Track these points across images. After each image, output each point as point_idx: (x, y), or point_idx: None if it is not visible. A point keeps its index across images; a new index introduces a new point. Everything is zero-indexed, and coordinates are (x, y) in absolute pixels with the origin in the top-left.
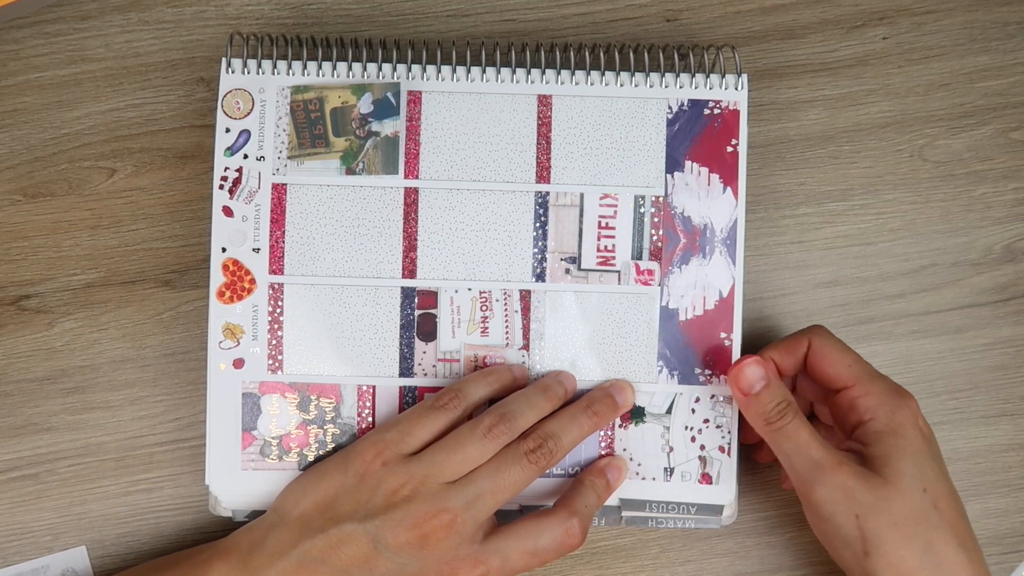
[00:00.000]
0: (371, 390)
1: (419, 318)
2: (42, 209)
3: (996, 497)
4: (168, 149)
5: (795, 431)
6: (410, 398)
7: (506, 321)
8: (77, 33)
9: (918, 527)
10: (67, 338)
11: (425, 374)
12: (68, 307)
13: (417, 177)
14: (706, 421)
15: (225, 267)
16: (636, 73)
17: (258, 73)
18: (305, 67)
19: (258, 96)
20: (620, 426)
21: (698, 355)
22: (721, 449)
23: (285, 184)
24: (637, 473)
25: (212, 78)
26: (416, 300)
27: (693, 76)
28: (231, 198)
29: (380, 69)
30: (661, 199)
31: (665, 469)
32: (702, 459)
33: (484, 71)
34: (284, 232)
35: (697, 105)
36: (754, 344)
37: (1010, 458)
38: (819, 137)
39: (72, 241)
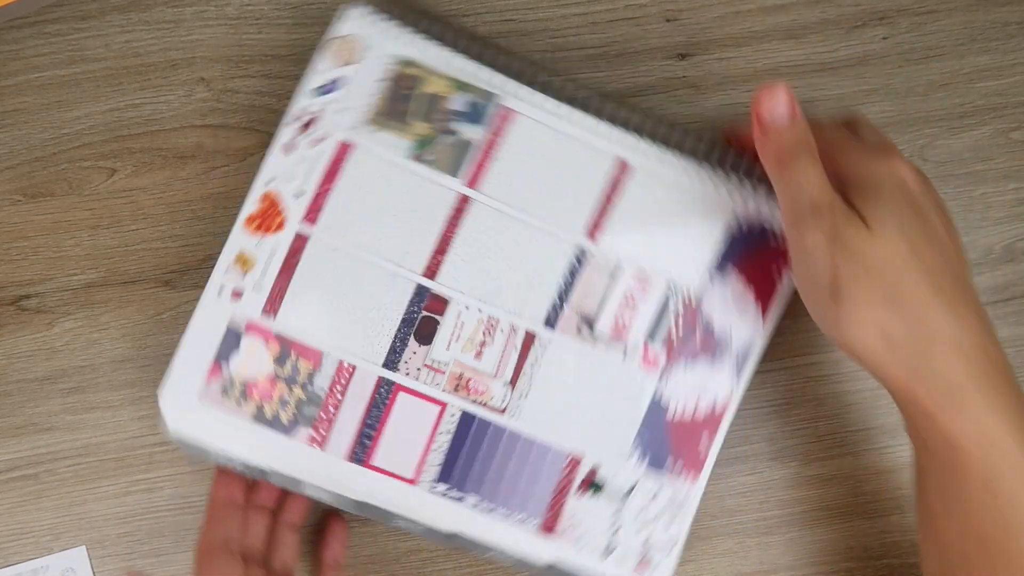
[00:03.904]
0: (350, 370)
1: (422, 319)
2: (42, 209)
3: None
4: (168, 149)
5: (803, 172)
6: (383, 392)
7: (503, 354)
8: (77, 33)
9: (888, 271)
10: (67, 338)
11: (407, 373)
12: (68, 307)
13: (475, 188)
14: (660, 516)
15: (264, 198)
16: (718, 169)
17: (374, 29)
18: (420, 43)
19: (365, 52)
20: (577, 492)
21: (672, 451)
22: (665, 547)
23: (353, 144)
24: (577, 541)
25: (212, 78)
26: (426, 301)
27: (767, 199)
28: (297, 135)
29: (486, 74)
30: (692, 297)
31: (606, 547)
32: (644, 550)
33: (577, 112)
34: (332, 188)
35: (763, 226)
36: None
37: None
38: None
39: (72, 241)
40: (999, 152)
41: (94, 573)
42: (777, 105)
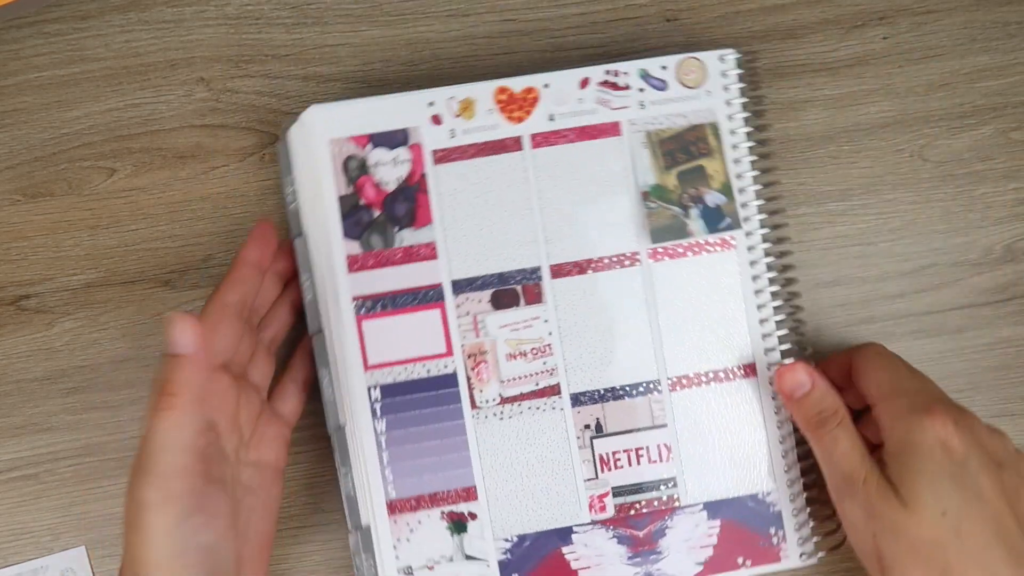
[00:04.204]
0: (431, 256)
1: (511, 290)
2: (42, 209)
3: None
4: (168, 149)
5: (833, 441)
6: (430, 295)
7: (524, 377)
8: (77, 33)
9: (935, 553)
10: (67, 338)
11: (458, 307)
12: (68, 307)
13: (652, 261)
14: None
15: (529, 90)
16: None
17: (720, 78)
18: (735, 122)
19: (700, 87)
20: (444, 514)
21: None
22: None
23: (619, 135)
24: (397, 541)
25: (212, 78)
26: (529, 283)
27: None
28: (598, 83)
29: (751, 200)
30: (678, 504)
31: (407, 568)
32: None
33: (768, 295)
34: (572, 143)
35: (780, 519)
36: None
37: None
38: (819, 137)
39: (72, 241)
40: (999, 152)
41: (94, 573)
42: (795, 380)
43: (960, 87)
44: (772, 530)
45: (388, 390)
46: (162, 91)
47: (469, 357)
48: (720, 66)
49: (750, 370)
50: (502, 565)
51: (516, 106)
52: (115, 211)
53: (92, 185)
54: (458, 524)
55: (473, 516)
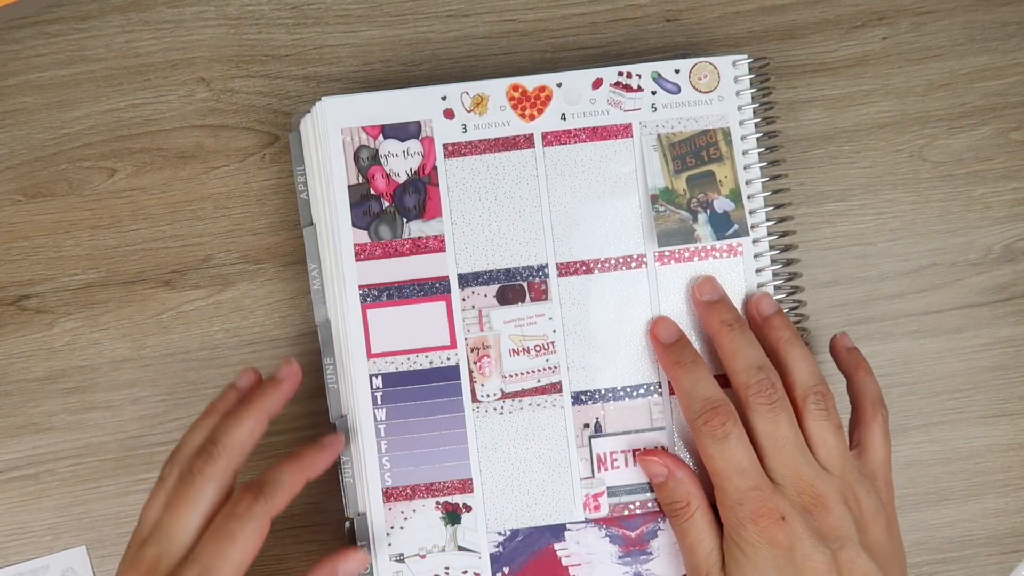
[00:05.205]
0: (440, 248)
1: (518, 286)
2: (42, 209)
3: (996, 497)
4: (168, 149)
5: (682, 533)
6: (436, 287)
7: (525, 373)
8: (77, 33)
9: None
10: (67, 338)
11: (463, 299)
12: (68, 307)
13: (658, 264)
14: None
15: (543, 88)
16: None
17: (734, 83)
18: (747, 127)
19: (715, 92)
20: (438, 504)
21: (519, 571)
22: None
23: (630, 136)
24: (391, 528)
25: (212, 78)
26: (535, 279)
27: None
28: (611, 84)
29: (756, 206)
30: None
31: (399, 555)
32: None
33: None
34: (584, 144)
35: None
36: None
37: (1009, 458)
38: (819, 137)
39: (72, 241)
40: (999, 152)
41: (94, 573)
42: (651, 469)
43: (960, 87)
44: None
45: (390, 379)
46: (162, 91)
47: (472, 351)
48: (733, 71)
49: None
50: (493, 558)
51: (529, 104)
52: (115, 211)
53: (93, 185)
54: (452, 515)
55: (468, 508)
